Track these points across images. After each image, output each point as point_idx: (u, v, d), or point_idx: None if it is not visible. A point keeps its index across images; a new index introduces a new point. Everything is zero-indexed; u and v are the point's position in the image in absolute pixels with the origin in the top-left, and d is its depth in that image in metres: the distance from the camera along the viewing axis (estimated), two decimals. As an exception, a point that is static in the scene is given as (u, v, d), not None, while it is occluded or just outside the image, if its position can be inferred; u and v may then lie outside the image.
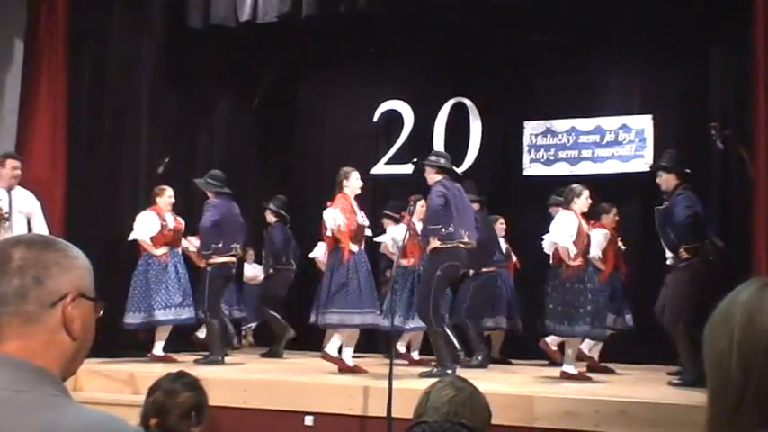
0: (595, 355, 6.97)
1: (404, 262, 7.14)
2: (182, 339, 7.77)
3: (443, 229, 5.96)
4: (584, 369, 6.45)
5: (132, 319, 6.89)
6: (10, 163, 6.28)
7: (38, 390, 1.09)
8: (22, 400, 1.07)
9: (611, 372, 6.81)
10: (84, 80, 7.42)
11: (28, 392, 1.08)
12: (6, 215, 6.08)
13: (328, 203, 6.39)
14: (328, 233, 6.28)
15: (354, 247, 6.27)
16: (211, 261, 6.92)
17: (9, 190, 6.24)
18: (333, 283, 6.19)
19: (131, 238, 7.01)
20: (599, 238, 6.81)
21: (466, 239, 6.07)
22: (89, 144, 7.42)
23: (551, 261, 6.29)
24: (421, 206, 6.92)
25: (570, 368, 6.13)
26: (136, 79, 7.83)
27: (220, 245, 6.92)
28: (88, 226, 7.13)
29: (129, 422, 1.14)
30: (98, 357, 6.04)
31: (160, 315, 6.93)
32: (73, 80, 7.29)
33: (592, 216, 6.84)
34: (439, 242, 5.96)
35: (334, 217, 6.20)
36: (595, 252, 6.70)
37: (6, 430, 1.03)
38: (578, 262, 6.11)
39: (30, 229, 6.25)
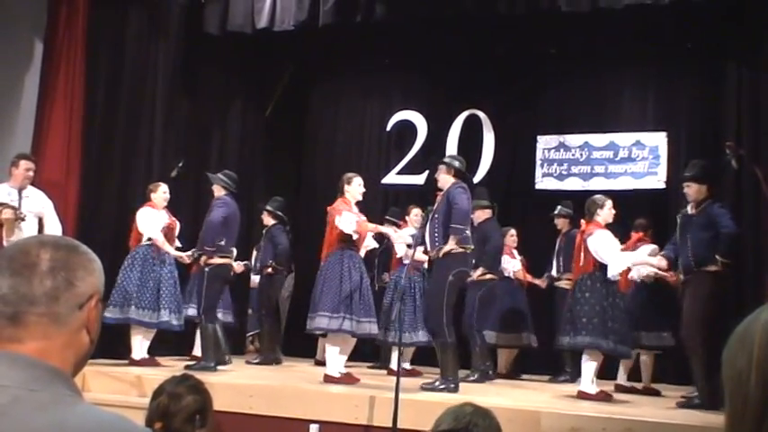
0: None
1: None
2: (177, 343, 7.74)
3: (467, 231, 5.83)
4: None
5: (110, 313, 6.40)
6: (24, 164, 6.27)
7: (51, 389, 1.10)
8: (35, 399, 1.08)
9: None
10: (101, 83, 7.47)
11: (41, 392, 1.09)
12: (23, 216, 6.04)
13: (327, 208, 6.28)
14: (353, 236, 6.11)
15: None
16: (210, 261, 6.63)
17: (20, 190, 6.21)
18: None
19: (146, 236, 6.76)
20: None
21: (471, 246, 5.98)
22: (104, 146, 7.45)
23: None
24: (415, 215, 7.38)
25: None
26: (151, 83, 7.89)
27: (223, 242, 6.67)
28: (101, 227, 7.17)
29: (137, 423, 1.14)
30: (107, 359, 6.06)
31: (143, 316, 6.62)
32: (90, 82, 7.34)
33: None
34: (457, 245, 5.74)
35: (349, 220, 6.04)
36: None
37: (19, 428, 1.04)
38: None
39: (41, 230, 6.24)
